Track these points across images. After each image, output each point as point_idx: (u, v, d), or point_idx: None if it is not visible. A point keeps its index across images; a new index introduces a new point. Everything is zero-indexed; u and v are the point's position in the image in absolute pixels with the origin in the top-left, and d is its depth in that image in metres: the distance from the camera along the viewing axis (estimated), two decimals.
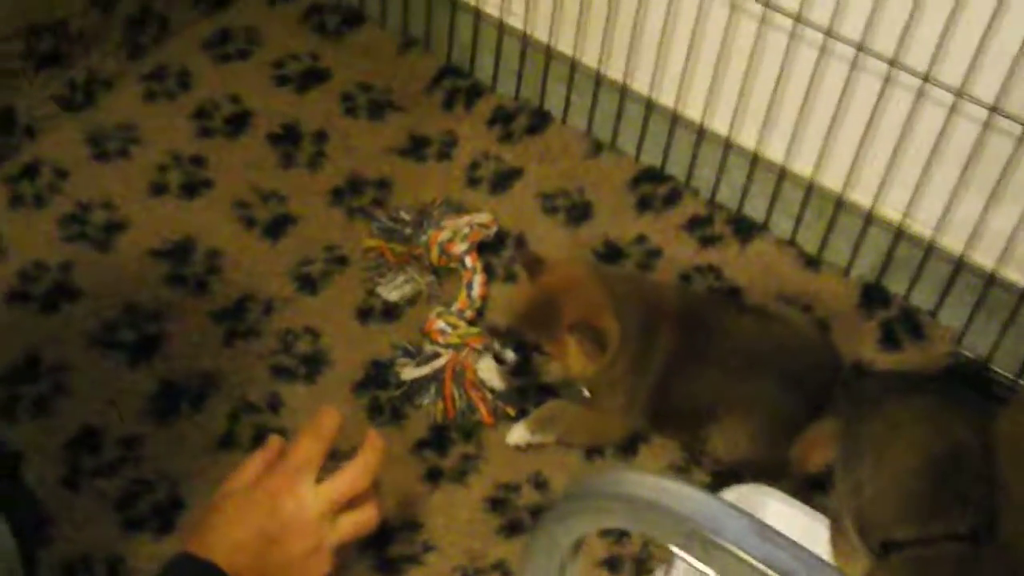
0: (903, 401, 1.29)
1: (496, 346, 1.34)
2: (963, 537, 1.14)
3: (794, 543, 0.50)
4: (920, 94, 1.40)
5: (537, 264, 1.34)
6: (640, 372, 1.35)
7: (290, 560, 1.02)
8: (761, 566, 0.50)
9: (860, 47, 1.40)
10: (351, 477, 1.04)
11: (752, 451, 1.36)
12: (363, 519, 1.06)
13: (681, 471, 1.41)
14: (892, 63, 1.39)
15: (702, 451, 1.40)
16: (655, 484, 0.53)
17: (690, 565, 0.53)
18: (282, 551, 1.01)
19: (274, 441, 1.08)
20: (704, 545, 0.52)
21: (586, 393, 1.36)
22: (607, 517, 0.55)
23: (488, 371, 1.41)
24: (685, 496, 0.52)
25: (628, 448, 1.42)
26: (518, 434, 1.39)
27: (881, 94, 1.42)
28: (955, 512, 1.16)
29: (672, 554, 1.27)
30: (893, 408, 1.28)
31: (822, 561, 0.51)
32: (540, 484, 1.38)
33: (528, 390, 1.43)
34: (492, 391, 1.41)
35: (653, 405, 1.37)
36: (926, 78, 1.37)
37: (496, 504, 1.36)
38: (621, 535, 1.34)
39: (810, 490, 1.35)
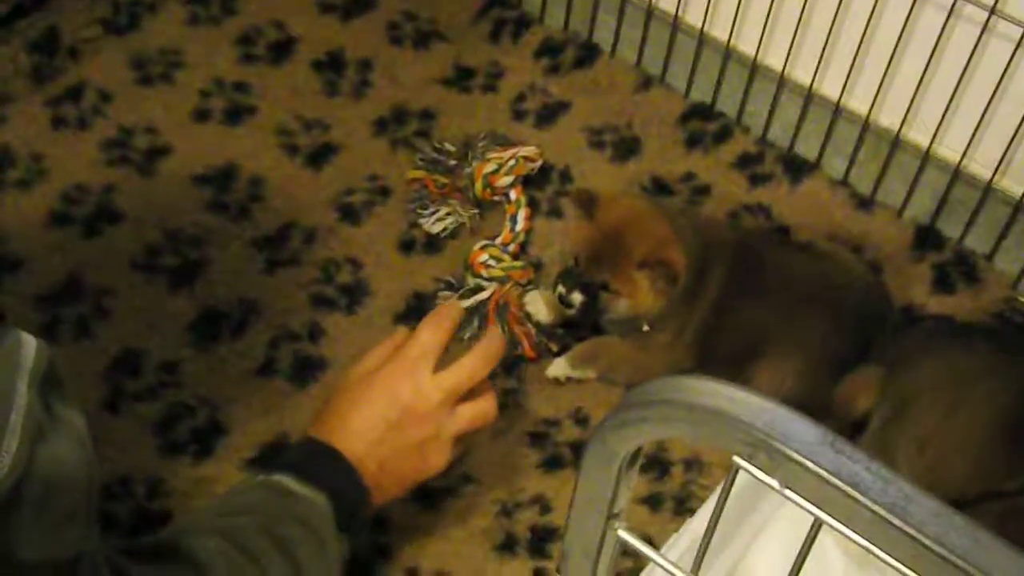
0: (965, 354, 1.25)
1: (561, 288, 1.31)
2: None
3: (867, 456, 0.48)
4: (986, 28, 1.35)
5: (591, 201, 1.31)
6: (692, 305, 1.32)
7: (409, 446, 1.04)
8: (831, 477, 0.48)
9: None
10: (470, 367, 1.05)
11: (797, 389, 1.33)
12: (481, 410, 1.07)
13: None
14: None
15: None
16: (719, 390, 0.51)
17: (752, 476, 0.51)
18: (401, 437, 1.03)
19: (400, 332, 1.11)
20: (770, 454, 0.49)
21: (646, 328, 1.33)
22: (667, 425, 0.53)
23: (535, 304, 1.39)
24: (751, 403, 0.50)
25: None
26: (559, 368, 1.37)
27: (944, 27, 1.38)
28: None
29: (710, 493, 1.27)
30: (955, 361, 1.24)
31: (896, 475, 0.48)
32: (581, 420, 1.36)
33: (572, 325, 1.41)
34: (537, 325, 1.39)
35: (702, 340, 1.35)
36: (993, 10, 1.32)
37: (536, 438, 1.35)
38: (662, 473, 1.32)
39: (853, 434, 1.32)
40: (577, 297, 1.30)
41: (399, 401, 1.04)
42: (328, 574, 1.00)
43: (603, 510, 0.58)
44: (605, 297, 1.30)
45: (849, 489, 0.48)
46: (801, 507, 0.50)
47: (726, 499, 0.54)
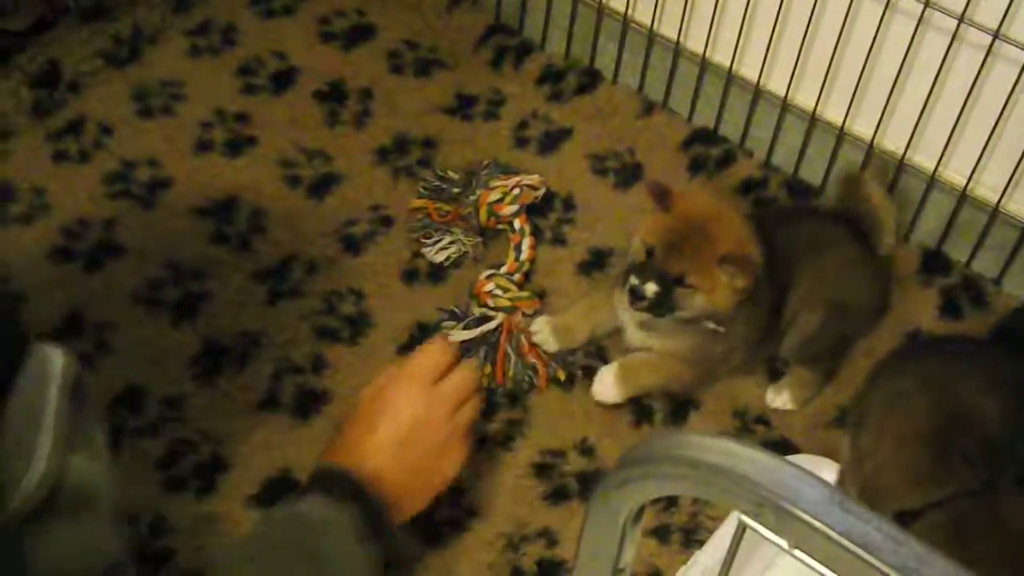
0: (899, 375, 1.25)
1: (633, 279, 1.26)
2: (978, 491, 1.10)
3: (878, 516, 0.47)
4: (990, 52, 1.34)
5: (667, 193, 1.27)
6: (759, 301, 1.31)
7: (425, 456, 1.12)
8: (840, 538, 0.47)
9: (927, 2, 1.35)
10: (461, 376, 1.15)
11: (822, 329, 1.36)
12: (475, 405, 1.17)
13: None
14: (960, 19, 1.33)
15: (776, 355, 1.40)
16: (724, 448, 0.50)
17: (761, 536, 0.50)
18: (415, 451, 1.11)
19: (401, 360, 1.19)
20: (777, 514, 0.48)
21: (721, 329, 1.30)
22: (671, 483, 0.51)
23: (542, 332, 1.38)
24: (757, 461, 0.49)
25: (677, 414, 1.39)
26: (607, 391, 1.34)
27: (948, 52, 1.37)
28: (962, 472, 1.13)
29: (719, 524, 1.26)
30: (891, 381, 1.25)
31: (905, 533, 0.47)
32: (586, 450, 1.35)
33: (578, 352, 1.40)
34: (545, 353, 1.38)
35: (758, 329, 1.34)
36: (996, 34, 1.32)
37: (542, 470, 1.33)
38: (670, 504, 1.31)
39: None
40: (651, 287, 1.25)
41: (404, 420, 1.11)
42: None
43: (608, 566, 0.57)
44: (680, 292, 1.26)
45: (859, 550, 0.47)
46: (811, 567, 0.49)
47: (734, 556, 0.53)
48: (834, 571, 0.48)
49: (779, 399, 1.39)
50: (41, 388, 0.67)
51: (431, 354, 1.15)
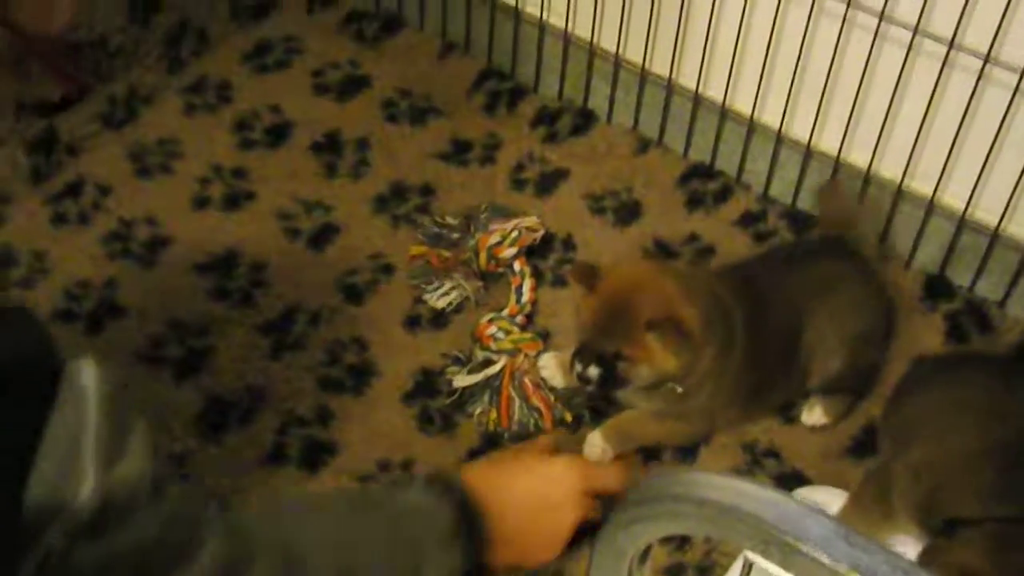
0: (960, 385, 1.25)
1: (578, 365, 1.28)
2: None
3: (883, 547, 0.46)
4: (982, 76, 1.34)
5: (592, 273, 1.28)
6: (727, 358, 1.30)
7: (539, 522, 1.03)
8: (849, 572, 0.46)
9: (916, 29, 1.35)
10: (614, 472, 1.06)
11: (850, 354, 1.36)
12: (598, 507, 1.07)
13: (741, 475, 1.36)
14: (951, 45, 1.34)
15: (805, 391, 1.39)
16: (729, 486, 0.49)
17: (768, 573, 0.49)
18: (534, 509, 1.03)
19: None
20: (784, 551, 0.48)
21: (679, 390, 1.30)
22: (677, 522, 0.51)
23: (549, 368, 1.38)
24: (763, 499, 0.48)
25: (687, 450, 1.38)
26: (595, 449, 1.34)
27: (939, 77, 1.37)
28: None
29: (734, 560, 1.24)
30: (950, 392, 1.24)
31: (913, 565, 0.47)
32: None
33: (584, 392, 1.40)
34: (552, 390, 1.38)
35: (743, 386, 1.33)
36: (987, 59, 1.32)
37: None
38: (683, 542, 1.29)
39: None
40: (594, 371, 1.26)
41: (541, 473, 1.04)
42: None
43: None
44: (622, 367, 1.26)
45: None
46: None
47: None
48: None
49: (812, 416, 1.39)
50: (79, 407, 0.67)
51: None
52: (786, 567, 0.48)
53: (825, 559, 0.46)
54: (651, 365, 1.26)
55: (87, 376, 0.68)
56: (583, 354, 1.28)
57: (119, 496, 0.68)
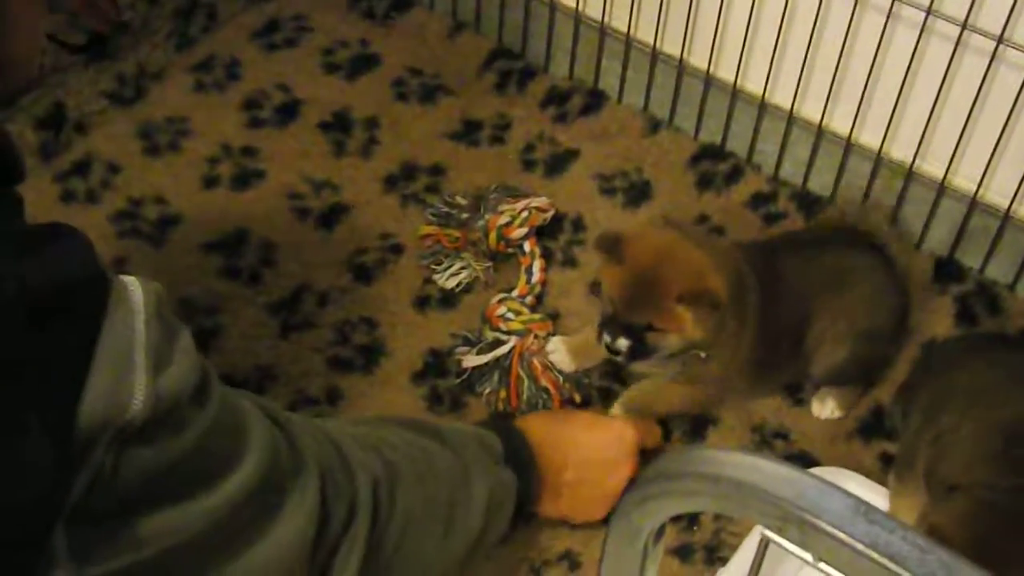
0: (992, 364, 1.25)
1: (606, 337, 1.27)
2: None
3: (903, 525, 0.46)
4: (994, 57, 1.34)
5: (617, 243, 1.26)
6: (742, 327, 1.29)
7: (594, 482, 1.21)
8: (867, 550, 0.46)
9: (929, 10, 1.34)
10: (658, 431, 1.29)
11: (857, 348, 1.35)
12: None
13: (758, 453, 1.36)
14: (964, 25, 1.33)
15: (806, 375, 1.39)
16: (745, 462, 0.49)
17: (785, 550, 0.49)
18: (593, 465, 1.22)
19: None
20: (802, 528, 0.48)
21: (703, 355, 1.29)
22: (692, 500, 0.51)
23: (558, 352, 1.38)
24: (780, 475, 0.48)
25: (696, 431, 1.38)
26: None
27: (952, 58, 1.37)
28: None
29: (742, 541, 1.24)
30: (981, 371, 1.25)
31: (932, 543, 0.46)
32: None
33: (593, 372, 1.40)
34: (561, 373, 1.38)
35: (755, 358, 1.33)
36: (1000, 39, 1.31)
37: None
38: (691, 522, 1.29)
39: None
40: (623, 342, 1.25)
41: (601, 441, 1.24)
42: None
43: None
44: (652, 337, 1.25)
45: (886, 561, 0.46)
46: None
47: (758, 572, 0.52)
48: None
49: (825, 409, 1.38)
50: (127, 324, 0.70)
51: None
52: (804, 545, 0.48)
53: (843, 536, 0.46)
54: (681, 335, 1.25)
55: (135, 292, 0.71)
56: (611, 326, 1.26)
57: (166, 402, 0.71)
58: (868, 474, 1.28)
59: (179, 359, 0.73)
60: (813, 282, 1.35)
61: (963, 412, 1.20)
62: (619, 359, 1.28)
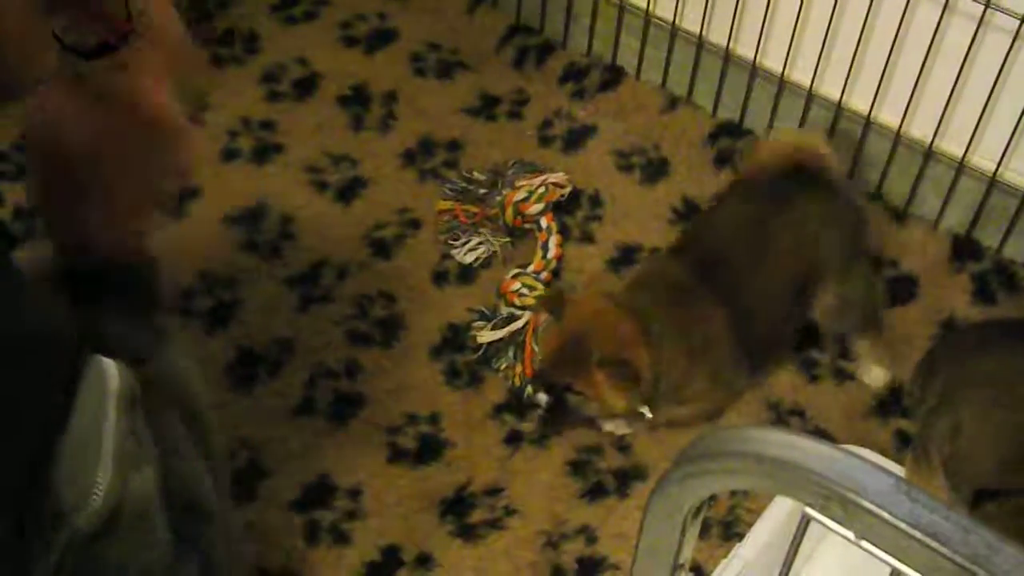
0: (1014, 355, 1.24)
1: (529, 389, 1.32)
2: None
3: (944, 505, 0.46)
4: (1017, 36, 1.33)
5: (559, 303, 1.29)
6: (713, 346, 1.30)
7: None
8: (909, 528, 0.47)
9: None
10: None
11: (838, 278, 1.35)
12: None
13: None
14: (987, 4, 1.33)
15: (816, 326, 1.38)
16: (787, 441, 0.50)
17: (826, 527, 0.50)
18: None
19: None
20: (844, 505, 0.48)
21: (648, 415, 1.30)
22: (735, 477, 0.51)
23: None
24: (822, 453, 0.49)
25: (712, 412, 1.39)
26: (618, 424, 1.36)
27: (974, 37, 1.36)
28: None
29: (758, 517, 1.25)
30: (1004, 361, 1.24)
31: (973, 522, 0.47)
32: (623, 447, 1.35)
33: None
34: None
35: (750, 343, 1.32)
36: (1023, 19, 1.31)
37: (577, 467, 1.33)
38: (709, 497, 1.30)
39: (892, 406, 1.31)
40: (543, 397, 1.28)
41: None
42: None
43: (668, 562, 0.57)
44: (573, 399, 1.27)
45: (929, 540, 0.46)
46: (879, 559, 0.48)
47: (797, 550, 0.53)
48: (903, 562, 0.48)
49: (873, 377, 1.39)
50: (99, 409, 0.66)
51: None
52: (846, 524, 0.49)
53: (886, 515, 0.47)
54: (599, 401, 1.27)
55: (111, 380, 0.67)
56: (536, 381, 1.31)
57: (130, 503, 0.67)
58: (883, 452, 1.29)
59: (143, 464, 0.69)
60: (771, 236, 1.33)
61: (986, 409, 1.19)
62: (539, 413, 1.31)
